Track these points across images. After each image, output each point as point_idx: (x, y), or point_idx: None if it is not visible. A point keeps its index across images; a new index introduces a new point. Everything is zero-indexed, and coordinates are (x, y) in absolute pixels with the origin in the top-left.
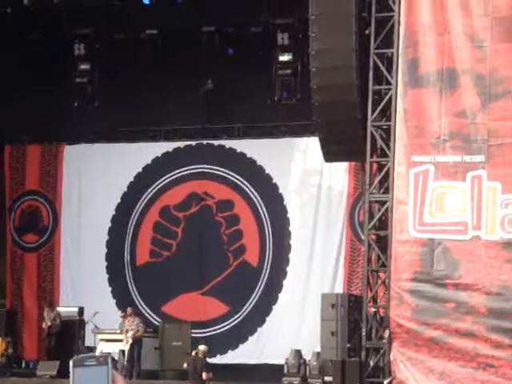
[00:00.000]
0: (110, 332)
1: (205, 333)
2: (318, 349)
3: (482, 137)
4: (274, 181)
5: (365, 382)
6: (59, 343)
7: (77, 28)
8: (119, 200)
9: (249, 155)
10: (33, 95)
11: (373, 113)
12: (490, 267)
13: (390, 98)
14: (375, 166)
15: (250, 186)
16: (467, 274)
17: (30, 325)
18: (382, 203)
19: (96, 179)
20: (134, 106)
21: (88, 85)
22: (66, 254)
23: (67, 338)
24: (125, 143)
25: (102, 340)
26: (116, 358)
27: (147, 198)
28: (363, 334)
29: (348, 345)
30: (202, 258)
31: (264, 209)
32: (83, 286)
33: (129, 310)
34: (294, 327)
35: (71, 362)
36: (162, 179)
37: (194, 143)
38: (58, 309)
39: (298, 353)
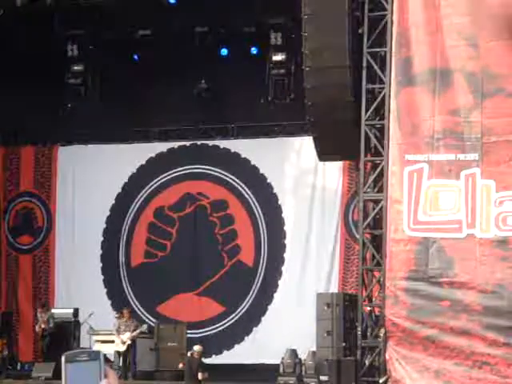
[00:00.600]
0: (106, 333)
1: (200, 333)
2: (314, 348)
3: (476, 135)
4: (268, 180)
5: (360, 381)
6: (53, 345)
7: (70, 29)
8: (114, 201)
9: (243, 155)
10: (26, 96)
11: (366, 112)
12: (484, 265)
13: (384, 97)
14: (369, 165)
15: (244, 186)
16: (462, 273)
17: (25, 326)
18: (377, 202)
19: (90, 180)
20: (128, 107)
21: (81, 86)
22: (60, 256)
23: (62, 340)
24: (119, 144)
25: (97, 341)
26: (112, 359)
27: (142, 199)
28: (359, 333)
29: (343, 344)
30: (197, 259)
31: (259, 209)
32: (78, 287)
33: (125, 311)
34: (289, 327)
35: (63, 358)
36: (156, 180)
37: (188, 143)
38: (53, 310)
39: (294, 352)
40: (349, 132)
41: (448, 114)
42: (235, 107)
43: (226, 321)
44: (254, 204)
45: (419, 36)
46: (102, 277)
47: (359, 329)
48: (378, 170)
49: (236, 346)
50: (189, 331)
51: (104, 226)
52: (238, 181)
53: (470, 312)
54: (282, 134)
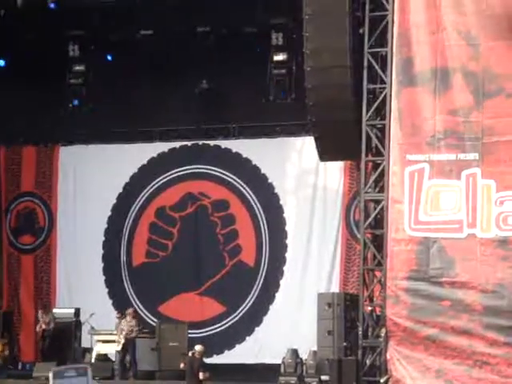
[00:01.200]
0: (107, 333)
1: (202, 333)
2: (315, 348)
3: (476, 135)
4: (269, 180)
5: (361, 381)
6: (54, 345)
7: (71, 29)
8: (115, 201)
9: (244, 155)
10: (27, 97)
11: (367, 112)
12: (485, 265)
13: (385, 97)
14: (370, 165)
15: (245, 186)
16: (463, 272)
17: (27, 326)
18: (378, 202)
19: (92, 180)
20: (129, 107)
21: (82, 86)
22: (62, 255)
23: (63, 340)
24: (120, 144)
25: (98, 341)
26: (113, 359)
27: (143, 199)
28: (360, 332)
29: (344, 344)
30: (198, 258)
31: (260, 209)
32: (79, 286)
33: (129, 310)
34: (290, 326)
35: (51, 374)
36: (157, 180)
37: (189, 143)
38: (54, 310)
39: (295, 352)
40: (350, 132)
41: (449, 114)
42: (236, 107)
43: (227, 321)
44: (256, 204)
45: (420, 36)
46: (103, 277)
47: (360, 328)
48: (379, 170)
49: (237, 346)
50: (190, 331)
51: (105, 225)
52: (239, 181)
53: (471, 312)
54: (283, 134)
